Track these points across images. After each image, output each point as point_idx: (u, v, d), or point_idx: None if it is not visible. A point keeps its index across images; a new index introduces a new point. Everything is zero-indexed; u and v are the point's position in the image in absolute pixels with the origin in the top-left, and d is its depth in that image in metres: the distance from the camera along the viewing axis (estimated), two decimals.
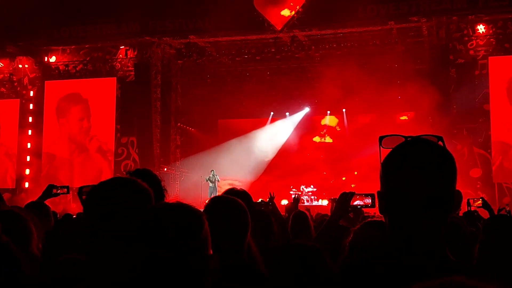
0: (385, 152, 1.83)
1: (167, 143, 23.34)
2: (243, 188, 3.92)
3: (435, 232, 1.70)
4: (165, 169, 22.49)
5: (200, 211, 1.91)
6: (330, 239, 3.65)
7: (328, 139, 26.21)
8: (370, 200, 3.73)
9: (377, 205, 1.86)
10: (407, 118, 22.52)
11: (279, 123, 26.19)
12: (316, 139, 26.31)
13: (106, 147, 23.08)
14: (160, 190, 3.26)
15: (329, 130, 26.28)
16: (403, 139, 1.79)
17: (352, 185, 23.92)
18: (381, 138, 1.89)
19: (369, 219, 2.70)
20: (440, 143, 1.80)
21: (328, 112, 25.60)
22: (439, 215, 1.70)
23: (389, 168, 1.76)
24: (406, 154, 1.74)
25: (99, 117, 23.15)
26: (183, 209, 1.86)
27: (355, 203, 3.79)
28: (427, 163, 1.70)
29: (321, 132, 26.24)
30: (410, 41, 21.34)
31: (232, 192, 3.70)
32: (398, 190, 1.71)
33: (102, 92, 23.16)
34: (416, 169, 1.69)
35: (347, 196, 3.82)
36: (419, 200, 1.68)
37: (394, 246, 1.73)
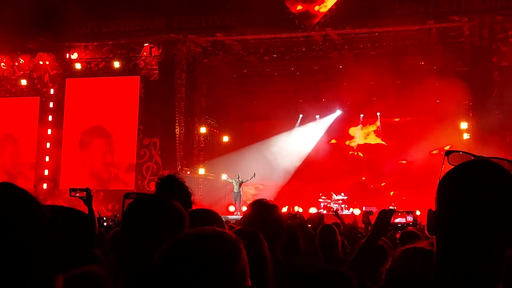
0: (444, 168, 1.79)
1: (191, 145, 23.32)
2: (272, 200, 3.81)
3: (487, 261, 1.61)
4: (188, 172, 22.47)
5: (235, 240, 1.72)
6: (368, 262, 3.47)
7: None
8: (412, 218, 3.52)
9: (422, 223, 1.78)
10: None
11: (309, 126, 25.95)
12: (358, 140, 25.90)
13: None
14: (187, 201, 3.39)
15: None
16: (471, 157, 1.76)
17: (391, 193, 23.69)
18: (448, 153, 1.84)
19: (410, 246, 2.49)
20: None
21: (361, 115, 25.30)
22: (494, 245, 1.61)
23: (449, 186, 1.69)
24: (470, 174, 1.66)
25: (121, 120, 23.17)
26: (213, 242, 1.68)
27: (396, 220, 3.55)
28: (491, 188, 1.62)
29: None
30: (450, 41, 20.99)
31: (258, 205, 3.59)
32: (454, 212, 1.64)
33: (125, 91, 23.24)
34: (477, 192, 1.62)
35: (387, 214, 3.53)
36: (474, 226, 1.61)
37: (440, 276, 1.65)
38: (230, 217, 16.55)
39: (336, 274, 2.48)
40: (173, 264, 1.65)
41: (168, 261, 1.66)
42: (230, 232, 1.77)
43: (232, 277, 1.64)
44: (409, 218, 3.50)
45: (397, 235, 6.33)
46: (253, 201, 3.82)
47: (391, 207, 3.72)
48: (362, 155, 25.77)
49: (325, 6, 19.97)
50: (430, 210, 1.71)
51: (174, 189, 3.54)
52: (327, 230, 5.90)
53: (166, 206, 2.35)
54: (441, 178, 1.71)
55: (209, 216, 3.24)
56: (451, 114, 21.06)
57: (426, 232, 1.75)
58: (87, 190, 5.87)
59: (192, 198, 3.72)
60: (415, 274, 2.19)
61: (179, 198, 2.62)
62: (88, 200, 5.78)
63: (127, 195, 2.66)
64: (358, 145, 26.02)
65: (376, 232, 3.55)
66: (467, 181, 1.65)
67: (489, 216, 1.60)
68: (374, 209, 9.50)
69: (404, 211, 3.58)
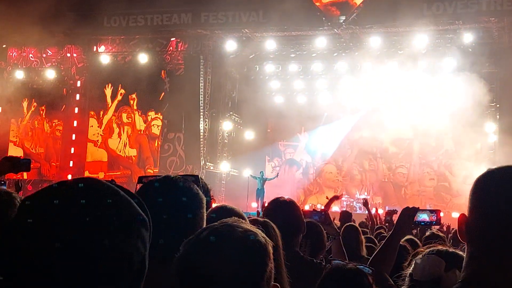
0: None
1: (215, 140, 23.53)
2: (290, 198, 3.97)
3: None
4: (211, 167, 22.68)
5: (263, 243, 1.55)
6: (390, 259, 3.52)
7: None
8: (435, 217, 3.55)
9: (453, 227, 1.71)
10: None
11: (334, 123, 25.90)
12: None
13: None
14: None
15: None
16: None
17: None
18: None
19: (433, 247, 2.48)
20: None
21: (386, 115, 25.14)
22: None
23: (478, 191, 1.64)
24: (499, 179, 1.62)
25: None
26: (239, 251, 1.50)
27: (419, 219, 3.56)
28: None
29: None
30: (478, 42, 20.84)
31: (277, 203, 3.73)
32: (484, 217, 1.60)
33: (151, 86, 23.49)
34: (506, 197, 1.58)
35: (411, 212, 3.56)
36: (504, 232, 1.56)
37: (471, 284, 1.60)
38: (251, 213, 16.72)
39: (350, 270, 2.58)
40: (192, 268, 1.51)
41: (187, 265, 1.52)
42: (258, 232, 1.58)
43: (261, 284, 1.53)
44: (433, 217, 3.52)
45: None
46: (273, 199, 3.97)
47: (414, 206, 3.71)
48: (391, 149, 25.46)
49: (353, 5, 20.04)
50: (462, 215, 1.66)
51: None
52: (349, 229, 5.99)
53: (179, 186, 2.17)
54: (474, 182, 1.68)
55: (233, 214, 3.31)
56: (477, 116, 21.00)
57: (458, 236, 1.73)
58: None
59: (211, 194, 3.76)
60: (438, 278, 2.18)
61: None
62: None
63: (141, 179, 2.62)
64: (387, 139, 25.72)
65: (399, 229, 3.58)
66: (496, 186, 1.60)
67: None
68: (398, 209, 9.55)
69: (428, 210, 3.61)
